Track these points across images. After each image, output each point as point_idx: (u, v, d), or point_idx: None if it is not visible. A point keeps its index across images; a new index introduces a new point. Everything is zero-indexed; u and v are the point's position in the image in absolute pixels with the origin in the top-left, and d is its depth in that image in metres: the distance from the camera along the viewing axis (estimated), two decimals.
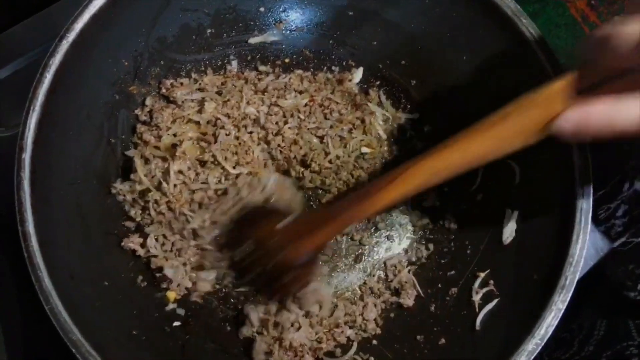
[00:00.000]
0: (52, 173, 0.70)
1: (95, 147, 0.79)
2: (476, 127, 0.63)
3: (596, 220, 0.93)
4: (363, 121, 0.91)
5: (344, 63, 0.96)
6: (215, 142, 0.83)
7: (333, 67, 0.96)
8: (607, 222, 0.95)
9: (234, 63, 0.94)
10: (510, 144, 0.61)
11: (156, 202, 0.80)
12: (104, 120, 0.80)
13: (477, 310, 0.75)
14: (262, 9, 0.92)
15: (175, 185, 0.80)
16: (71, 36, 0.70)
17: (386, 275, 0.86)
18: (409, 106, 0.94)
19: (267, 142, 0.87)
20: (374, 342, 0.81)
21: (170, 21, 0.84)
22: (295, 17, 0.94)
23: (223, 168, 0.82)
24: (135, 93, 0.85)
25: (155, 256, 0.79)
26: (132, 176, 0.82)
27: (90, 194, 0.76)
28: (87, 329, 0.62)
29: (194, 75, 0.91)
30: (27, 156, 0.66)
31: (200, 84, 0.90)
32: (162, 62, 0.87)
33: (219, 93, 0.89)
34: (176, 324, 0.78)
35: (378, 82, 0.96)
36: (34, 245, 0.63)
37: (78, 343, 0.60)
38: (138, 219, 0.81)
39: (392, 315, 0.84)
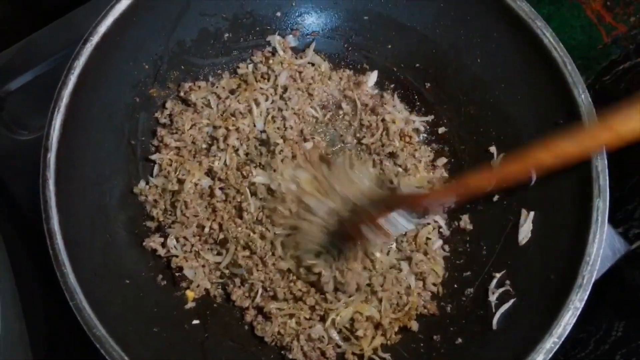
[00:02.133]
0: (76, 173, 0.71)
1: (116, 148, 0.81)
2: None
3: (614, 222, 0.93)
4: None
5: (359, 66, 0.98)
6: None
7: (347, 71, 0.97)
8: (625, 223, 0.95)
9: (250, 67, 0.96)
10: None
11: (185, 204, 0.81)
12: (125, 122, 0.82)
13: (493, 310, 0.76)
14: (278, 14, 0.94)
15: (193, 192, 0.83)
16: (95, 39, 0.72)
17: None
18: (423, 109, 0.95)
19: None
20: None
21: (189, 26, 0.86)
22: (310, 22, 0.96)
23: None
24: (155, 96, 0.87)
25: (175, 256, 0.81)
26: (154, 180, 0.83)
27: (112, 193, 0.78)
28: (110, 325, 0.63)
29: (211, 79, 0.93)
30: (52, 156, 0.67)
31: (216, 87, 0.92)
32: (181, 66, 0.89)
33: (232, 92, 0.92)
34: (195, 322, 0.79)
35: (392, 85, 0.97)
36: (59, 242, 0.64)
37: (102, 338, 0.61)
38: (160, 219, 0.82)
39: None
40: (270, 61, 0.94)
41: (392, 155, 0.90)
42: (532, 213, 0.78)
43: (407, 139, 0.91)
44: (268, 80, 0.93)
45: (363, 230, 0.73)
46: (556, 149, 0.62)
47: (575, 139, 0.61)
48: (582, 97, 0.72)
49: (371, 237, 0.74)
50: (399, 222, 0.72)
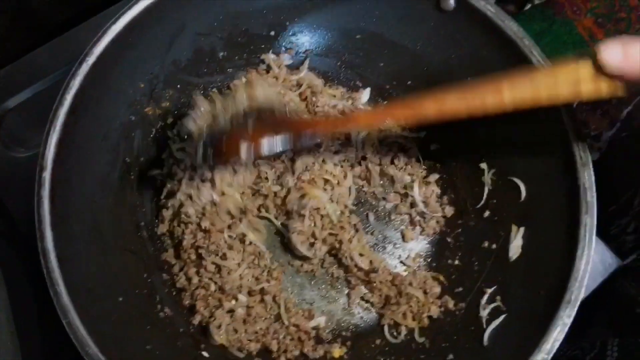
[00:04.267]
0: (71, 191, 0.72)
1: (111, 167, 0.81)
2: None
3: (607, 237, 0.93)
4: None
5: (351, 84, 0.99)
6: None
7: (341, 88, 0.99)
8: (618, 238, 0.95)
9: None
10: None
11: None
12: (121, 141, 0.83)
13: (484, 325, 0.76)
14: (272, 33, 0.95)
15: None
16: (91, 59, 0.73)
17: None
18: (415, 126, 0.96)
19: None
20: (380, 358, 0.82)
21: (184, 45, 0.87)
22: (304, 40, 0.97)
23: None
24: (150, 114, 0.88)
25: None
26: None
27: (107, 211, 0.79)
28: (103, 343, 0.63)
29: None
30: (47, 174, 0.68)
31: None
32: (176, 85, 0.90)
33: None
34: (188, 340, 0.80)
35: (385, 103, 0.98)
36: (53, 261, 0.65)
37: (95, 357, 0.62)
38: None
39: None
40: None
41: (382, 173, 0.91)
42: (522, 229, 0.79)
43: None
44: None
45: (240, 147, 0.71)
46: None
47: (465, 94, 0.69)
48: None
49: (243, 156, 0.72)
50: (275, 144, 0.72)
